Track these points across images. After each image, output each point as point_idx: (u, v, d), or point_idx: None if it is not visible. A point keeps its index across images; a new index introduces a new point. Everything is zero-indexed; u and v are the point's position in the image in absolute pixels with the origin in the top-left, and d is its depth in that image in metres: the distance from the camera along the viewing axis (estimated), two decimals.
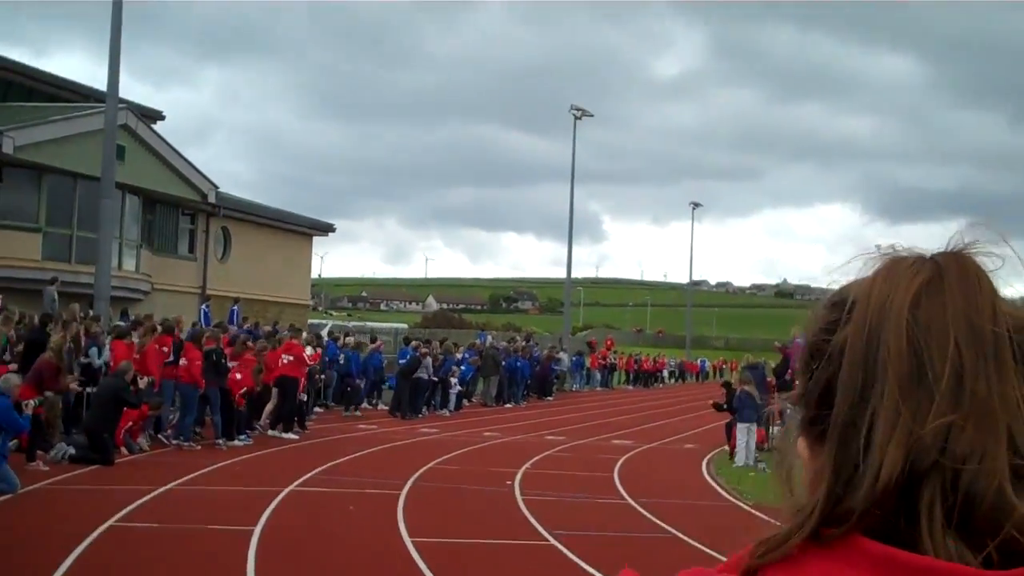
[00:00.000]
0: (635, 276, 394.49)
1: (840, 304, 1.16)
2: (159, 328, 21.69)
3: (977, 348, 1.07)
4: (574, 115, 58.53)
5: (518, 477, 18.49)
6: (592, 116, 60.47)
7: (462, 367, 35.84)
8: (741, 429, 21.97)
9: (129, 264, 37.20)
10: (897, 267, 1.17)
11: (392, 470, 18.35)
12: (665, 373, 73.53)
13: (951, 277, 1.12)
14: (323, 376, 30.61)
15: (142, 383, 20.10)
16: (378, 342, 34.58)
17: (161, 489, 15.18)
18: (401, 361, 31.91)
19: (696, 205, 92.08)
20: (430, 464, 19.68)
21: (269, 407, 23.73)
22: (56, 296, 26.75)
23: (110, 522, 12.48)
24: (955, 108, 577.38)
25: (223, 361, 21.62)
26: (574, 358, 53.16)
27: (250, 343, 23.81)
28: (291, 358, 24.17)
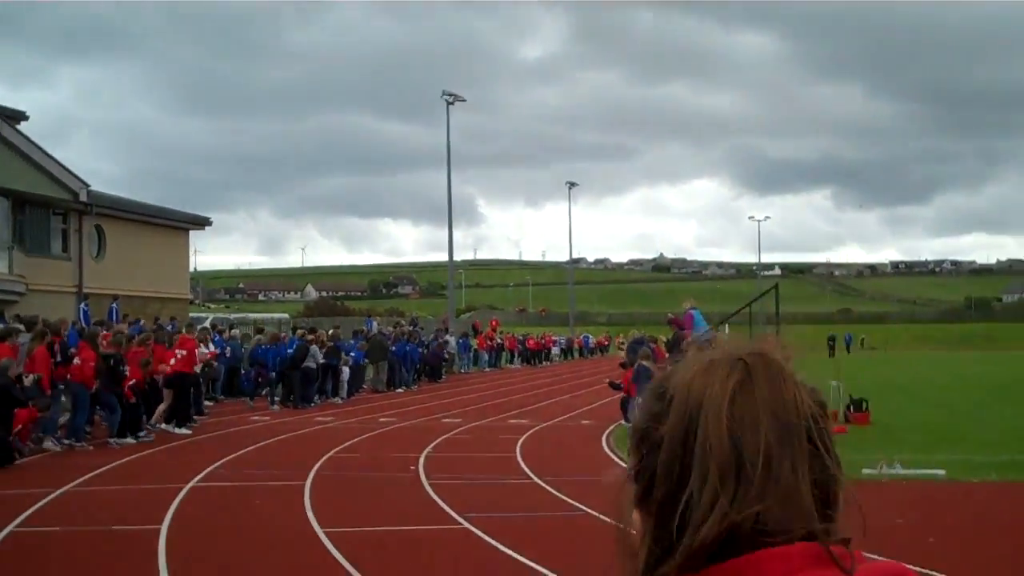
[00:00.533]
0: (513, 257, 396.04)
1: (662, 396, 1.34)
2: (48, 333, 21.06)
3: (783, 438, 1.27)
4: (446, 100, 58.57)
5: (421, 461, 18.36)
6: (464, 101, 60.75)
7: (352, 354, 35.52)
8: (637, 403, 22.07)
9: (1, 266, 36.15)
10: (713, 367, 1.33)
11: (293, 461, 18.10)
12: (555, 350, 73.89)
13: (759, 376, 1.31)
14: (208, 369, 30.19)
15: (27, 381, 19.50)
16: (283, 335, 34.37)
17: (58, 491, 14.75)
18: (289, 351, 31.57)
19: (572, 184, 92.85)
20: (330, 453, 19.46)
21: (163, 406, 23.30)
22: None
23: (10, 528, 12.08)
24: (814, 82, 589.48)
25: (121, 368, 21.12)
26: (460, 340, 53.12)
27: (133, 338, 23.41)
28: (184, 353, 23.71)
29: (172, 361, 23.48)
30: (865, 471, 16.44)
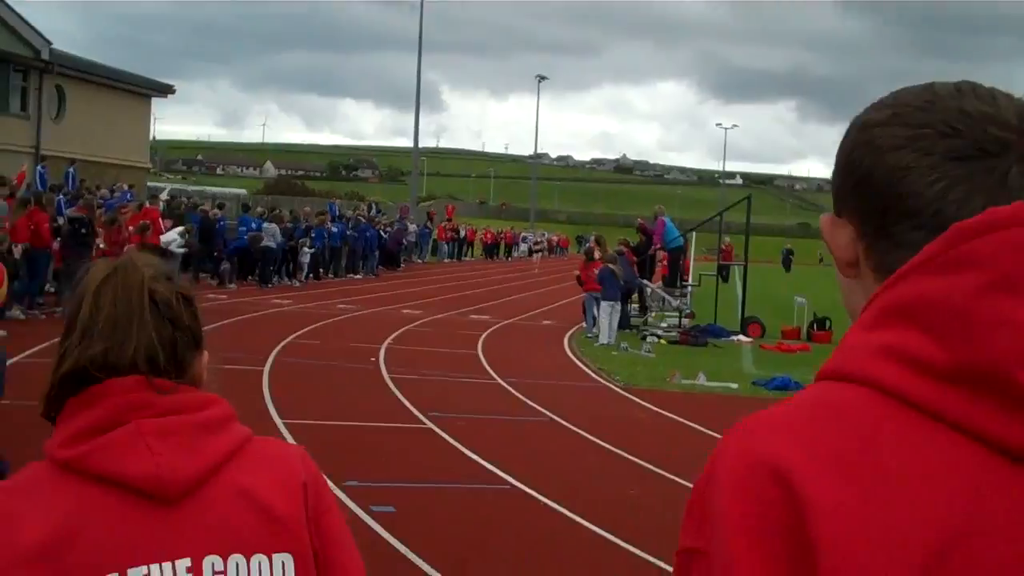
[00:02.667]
0: (476, 147, 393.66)
1: (76, 286, 1.99)
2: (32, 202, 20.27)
3: (127, 311, 1.89)
4: None
5: (382, 353, 18.04)
6: None
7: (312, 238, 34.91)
8: (604, 307, 21.81)
9: None
10: (98, 268, 1.99)
11: (250, 344, 17.66)
12: (524, 248, 73.52)
13: (119, 274, 1.94)
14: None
15: (16, 252, 18.69)
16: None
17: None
18: (242, 229, 31.05)
19: (542, 78, 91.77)
20: (289, 338, 19.08)
21: None
22: None
23: None
24: None
25: (86, 232, 20.38)
26: (422, 229, 52.59)
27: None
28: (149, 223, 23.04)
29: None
30: None
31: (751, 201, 25.97)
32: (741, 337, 23.49)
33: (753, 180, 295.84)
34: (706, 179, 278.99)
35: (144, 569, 1.78)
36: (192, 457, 1.84)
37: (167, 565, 1.79)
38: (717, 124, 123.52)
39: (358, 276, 37.69)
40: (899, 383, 1.14)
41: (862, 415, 1.14)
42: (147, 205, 24.58)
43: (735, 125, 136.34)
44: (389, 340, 19.90)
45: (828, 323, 25.26)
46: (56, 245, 20.01)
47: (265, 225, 31.50)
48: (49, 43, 39.49)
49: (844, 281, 1.33)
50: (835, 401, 1.17)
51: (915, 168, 1.22)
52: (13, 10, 37.51)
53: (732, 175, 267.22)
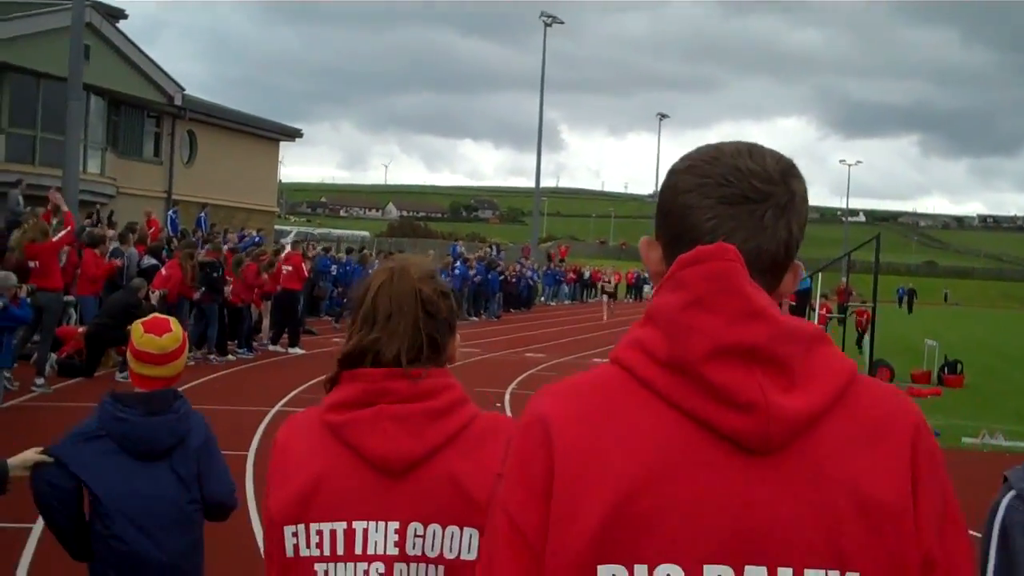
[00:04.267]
0: (595, 187, 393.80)
1: (363, 284, 2.61)
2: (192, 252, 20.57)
3: (400, 307, 2.48)
4: (544, 22, 57.38)
5: (506, 399, 18.04)
6: (563, 23, 59.21)
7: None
8: None
9: (94, 167, 36.31)
10: (379, 272, 2.61)
11: None
12: (648, 288, 72.96)
13: (395, 276, 2.54)
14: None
15: (154, 298, 19.03)
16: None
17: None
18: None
19: (663, 116, 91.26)
20: None
21: (267, 322, 23.33)
22: (21, 199, 25.84)
23: None
24: (907, 24, 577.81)
25: (217, 275, 20.77)
26: (547, 271, 52.56)
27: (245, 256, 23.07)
28: (290, 269, 23.38)
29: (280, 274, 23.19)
30: (965, 440, 15.88)
31: (879, 241, 25.41)
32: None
33: (877, 217, 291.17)
34: (828, 217, 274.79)
35: (364, 524, 2.39)
36: (417, 441, 2.41)
37: (381, 524, 2.39)
38: (840, 161, 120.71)
39: (475, 319, 37.66)
40: (635, 366, 1.63)
41: (609, 387, 1.65)
42: (288, 250, 24.88)
43: (859, 161, 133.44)
44: (513, 385, 19.88)
45: (960, 367, 24.61)
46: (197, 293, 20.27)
47: None
48: (182, 89, 40.53)
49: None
50: (599, 376, 1.69)
51: (697, 208, 1.69)
52: (148, 57, 38.59)
53: (856, 212, 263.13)
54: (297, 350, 22.83)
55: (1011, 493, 2.06)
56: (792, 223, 1.70)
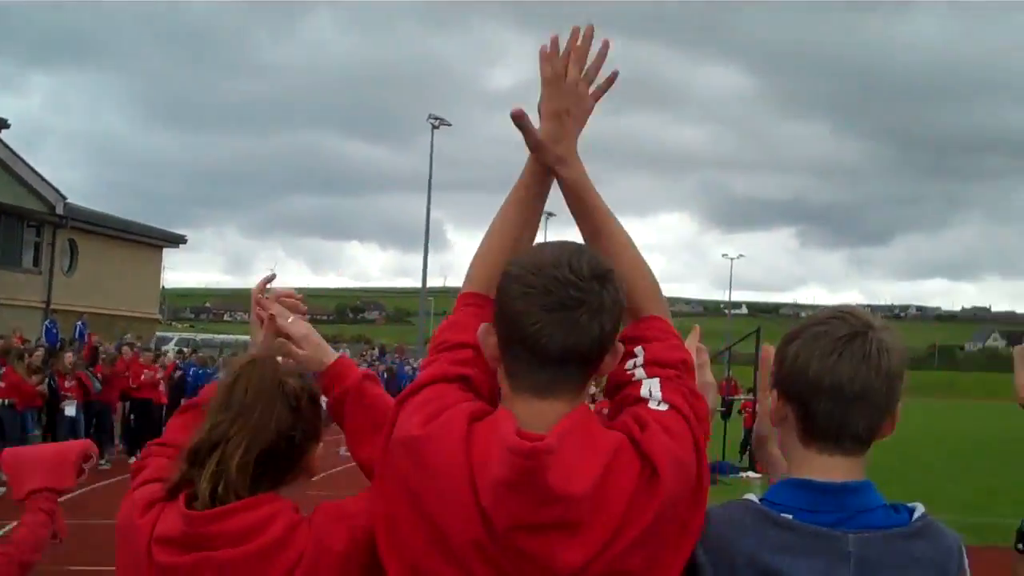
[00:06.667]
0: None
1: None
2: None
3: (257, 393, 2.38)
4: (431, 124, 57.86)
5: None
6: (450, 125, 59.70)
7: None
8: None
9: None
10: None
11: None
12: None
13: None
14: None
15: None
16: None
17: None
18: None
19: (550, 215, 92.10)
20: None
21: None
22: None
23: None
24: (782, 119, 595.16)
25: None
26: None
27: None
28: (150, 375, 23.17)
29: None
30: None
31: (760, 334, 25.92)
32: (750, 473, 23.27)
33: (759, 309, 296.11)
34: (712, 309, 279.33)
35: None
36: None
37: None
38: (723, 255, 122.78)
39: None
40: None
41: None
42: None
43: (741, 255, 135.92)
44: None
45: None
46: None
47: None
48: (64, 197, 40.11)
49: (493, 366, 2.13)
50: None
51: (524, 313, 2.00)
52: (29, 166, 38.23)
53: (738, 305, 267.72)
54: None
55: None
56: (604, 323, 2.02)
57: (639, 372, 2.20)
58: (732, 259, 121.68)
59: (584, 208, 2.44)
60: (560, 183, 2.46)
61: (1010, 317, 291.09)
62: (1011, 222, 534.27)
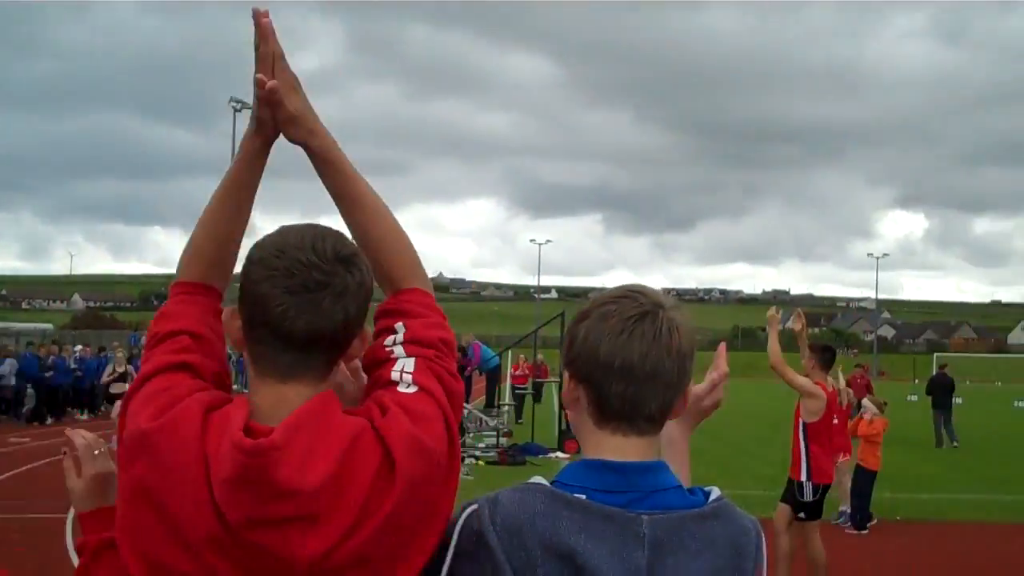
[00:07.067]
0: None
1: None
2: None
3: None
4: (233, 107, 56.78)
5: None
6: (251, 108, 58.82)
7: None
8: None
9: None
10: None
11: (51, 491, 16.81)
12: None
13: None
14: None
15: None
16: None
17: None
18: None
19: None
20: None
21: None
22: None
23: None
24: (586, 107, 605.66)
25: None
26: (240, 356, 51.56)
27: None
28: None
29: None
30: None
31: (564, 317, 26.13)
32: (559, 453, 23.45)
33: (568, 293, 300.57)
34: (522, 294, 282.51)
35: None
36: None
37: None
38: (531, 240, 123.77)
39: None
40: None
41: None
42: None
43: (549, 240, 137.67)
44: None
45: None
46: None
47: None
48: None
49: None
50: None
51: (268, 296, 1.95)
52: None
53: (548, 289, 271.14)
54: None
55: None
56: (349, 306, 1.99)
57: (398, 350, 2.18)
58: (540, 244, 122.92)
59: (340, 179, 2.36)
60: (312, 157, 2.37)
61: (808, 299, 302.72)
62: (807, 208, 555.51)
